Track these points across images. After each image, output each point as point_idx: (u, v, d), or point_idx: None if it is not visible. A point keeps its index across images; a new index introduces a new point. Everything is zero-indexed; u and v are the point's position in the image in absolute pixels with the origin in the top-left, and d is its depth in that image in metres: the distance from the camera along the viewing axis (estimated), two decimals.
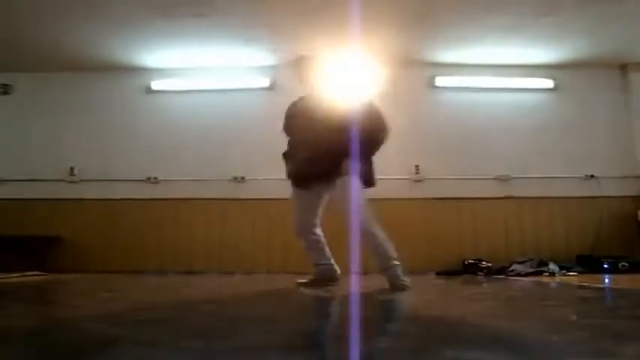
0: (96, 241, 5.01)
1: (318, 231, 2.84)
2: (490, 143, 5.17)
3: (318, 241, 2.82)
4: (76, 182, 5.18)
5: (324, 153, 2.63)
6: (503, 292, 2.69)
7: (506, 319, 1.69)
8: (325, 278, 2.80)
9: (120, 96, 5.36)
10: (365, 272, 2.77)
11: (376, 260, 2.60)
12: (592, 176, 5.09)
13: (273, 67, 5.27)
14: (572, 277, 3.77)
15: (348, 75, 5.23)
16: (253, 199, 4.93)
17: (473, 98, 5.33)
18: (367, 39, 4.62)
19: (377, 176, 2.78)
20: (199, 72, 5.31)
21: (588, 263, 4.47)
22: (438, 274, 4.41)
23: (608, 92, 5.30)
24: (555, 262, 4.27)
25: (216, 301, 2.13)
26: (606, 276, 3.90)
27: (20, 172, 5.14)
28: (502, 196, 5.05)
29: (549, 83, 5.29)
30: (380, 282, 2.62)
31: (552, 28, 4.53)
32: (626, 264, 4.33)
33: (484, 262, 4.46)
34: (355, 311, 1.83)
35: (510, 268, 4.24)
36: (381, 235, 2.60)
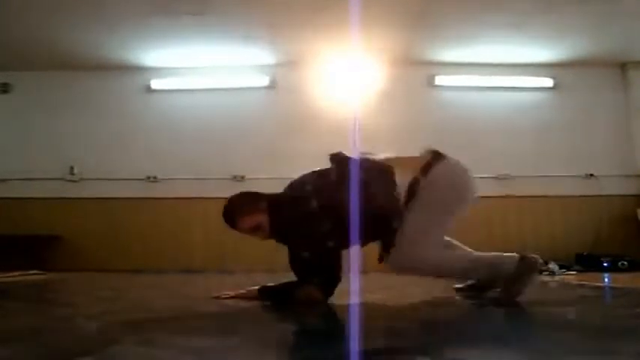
0: (95, 240, 5.00)
1: None
2: (490, 142, 5.16)
3: None
4: (75, 181, 5.18)
5: None
6: None
7: (505, 318, 1.69)
8: None
9: (119, 95, 5.35)
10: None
11: None
12: (592, 175, 5.09)
13: (272, 66, 5.27)
14: (572, 276, 3.77)
15: (348, 76, 5.25)
16: None
17: (472, 97, 5.33)
18: (367, 38, 4.61)
19: None
20: (199, 71, 5.31)
21: (588, 262, 4.47)
22: None
23: (607, 91, 5.30)
24: (555, 261, 4.27)
25: (216, 300, 2.13)
26: (606, 275, 3.90)
27: (20, 171, 5.13)
28: (501, 195, 5.05)
29: (549, 82, 5.29)
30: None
31: (552, 27, 4.53)
32: (625, 263, 4.33)
33: None
34: (354, 312, 1.83)
35: None
36: None
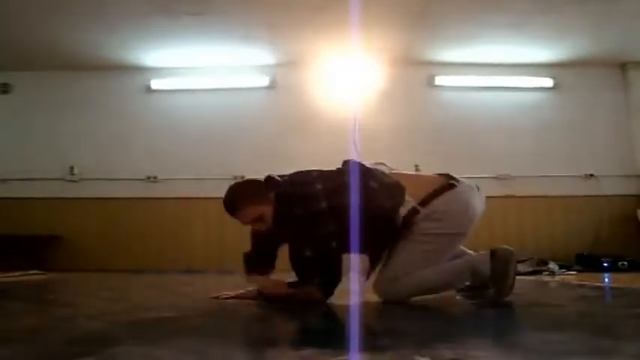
0: (95, 240, 5.01)
1: None
2: (490, 142, 5.17)
3: None
4: (75, 181, 5.18)
5: None
6: None
7: (505, 317, 1.69)
8: None
9: (119, 95, 5.36)
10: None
11: None
12: (592, 175, 5.09)
13: (272, 66, 5.28)
14: (572, 276, 3.77)
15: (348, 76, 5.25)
16: None
17: (472, 97, 5.33)
18: (367, 39, 4.61)
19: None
20: (199, 71, 5.31)
21: (588, 262, 4.47)
22: None
23: (607, 91, 5.30)
24: (555, 261, 4.27)
25: (216, 300, 2.13)
26: (606, 275, 3.90)
27: (20, 171, 5.13)
28: (502, 195, 5.05)
29: (549, 82, 5.29)
30: None
31: (552, 27, 4.53)
32: (625, 263, 4.33)
33: None
34: (354, 312, 1.83)
35: None
36: None
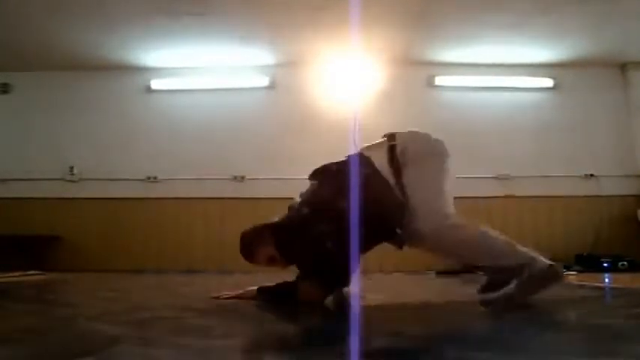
0: (95, 241, 5.01)
1: None
2: (490, 142, 5.17)
3: None
4: (75, 181, 5.18)
5: None
6: None
7: (505, 318, 1.69)
8: None
9: (119, 95, 5.36)
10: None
11: None
12: (592, 175, 5.09)
13: (272, 67, 5.28)
14: (572, 276, 3.77)
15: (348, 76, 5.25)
16: (253, 199, 4.93)
17: (472, 97, 5.33)
18: (367, 39, 4.61)
19: None
20: (199, 71, 5.31)
21: (588, 262, 4.47)
22: (439, 273, 4.41)
23: (607, 91, 5.30)
24: (555, 261, 4.26)
25: (216, 300, 2.13)
26: (606, 275, 3.90)
27: (19, 171, 5.13)
28: (502, 195, 5.05)
29: (549, 82, 5.29)
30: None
31: (552, 27, 4.53)
32: (625, 263, 4.33)
33: None
34: (355, 311, 1.83)
35: None
36: None
